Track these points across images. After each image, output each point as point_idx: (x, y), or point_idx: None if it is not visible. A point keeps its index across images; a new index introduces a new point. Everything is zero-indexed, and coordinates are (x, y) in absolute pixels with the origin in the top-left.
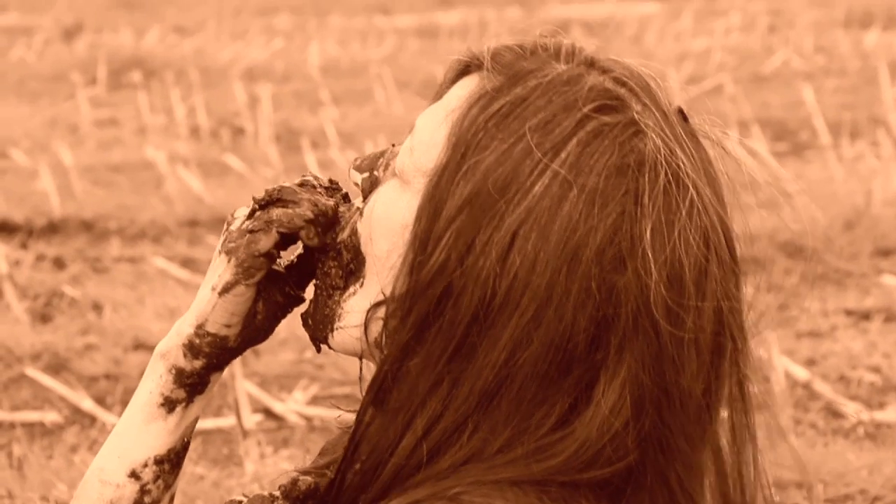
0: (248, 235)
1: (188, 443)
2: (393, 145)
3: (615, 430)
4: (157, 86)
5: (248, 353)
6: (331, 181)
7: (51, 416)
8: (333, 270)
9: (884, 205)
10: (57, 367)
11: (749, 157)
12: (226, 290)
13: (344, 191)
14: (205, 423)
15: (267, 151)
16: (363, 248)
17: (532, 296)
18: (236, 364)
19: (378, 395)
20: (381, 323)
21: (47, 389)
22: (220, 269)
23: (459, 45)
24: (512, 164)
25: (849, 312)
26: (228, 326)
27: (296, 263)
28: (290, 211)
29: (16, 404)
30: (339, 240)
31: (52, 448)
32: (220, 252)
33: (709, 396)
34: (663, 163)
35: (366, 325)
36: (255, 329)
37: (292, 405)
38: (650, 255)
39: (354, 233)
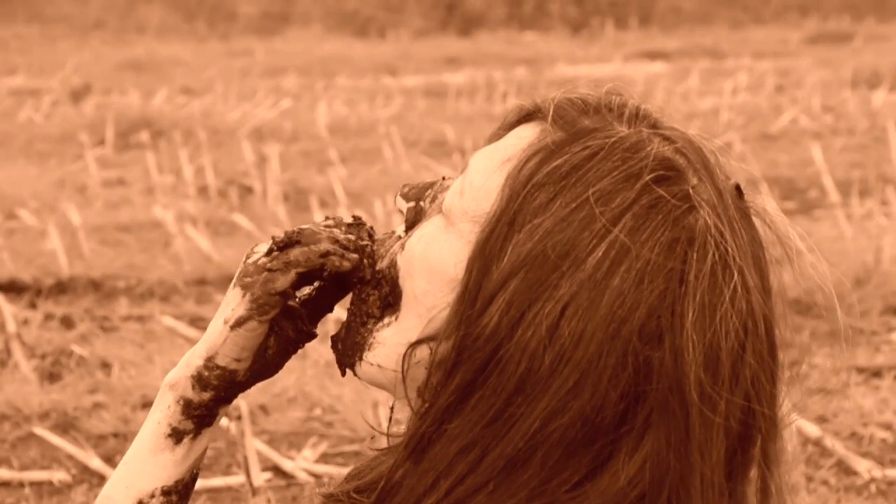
0: (265, 273)
1: (196, 475)
2: (444, 178)
3: (630, 500)
4: (165, 146)
5: (257, 410)
6: (354, 217)
7: (59, 475)
8: (371, 298)
9: (893, 262)
10: (65, 426)
11: (785, 218)
12: (238, 324)
13: (369, 226)
14: (214, 481)
15: (275, 210)
16: (401, 282)
17: (574, 367)
18: (245, 422)
19: (414, 451)
20: (418, 364)
21: (56, 448)
22: (234, 303)
23: (467, 105)
24: (572, 231)
25: (860, 370)
26: (238, 360)
27: (310, 299)
28: (307, 249)
29: (24, 463)
30: (377, 268)
31: None
32: (234, 285)
33: (732, 483)
34: (713, 243)
35: (403, 363)
36: (264, 364)
37: (301, 463)
38: (690, 333)
39: (394, 265)
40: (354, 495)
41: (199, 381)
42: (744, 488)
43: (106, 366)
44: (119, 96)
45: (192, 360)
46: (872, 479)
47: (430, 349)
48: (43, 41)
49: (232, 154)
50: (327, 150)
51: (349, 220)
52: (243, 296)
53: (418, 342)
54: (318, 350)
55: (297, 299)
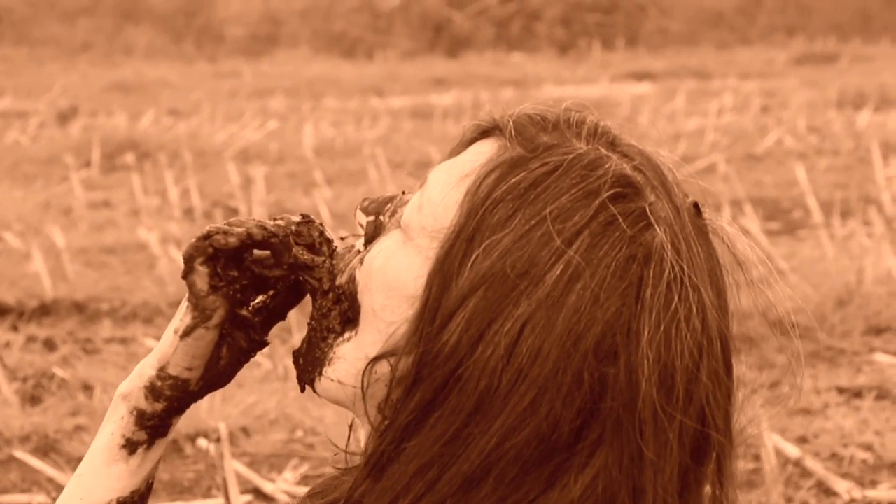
0: (188, 278)
1: (151, 484)
2: (403, 192)
3: None
4: (150, 168)
5: (238, 432)
6: (303, 216)
7: (39, 499)
8: (332, 314)
9: (875, 283)
10: (46, 449)
11: (742, 236)
12: (186, 333)
13: (318, 222)
14: None
15: None
16: (360, 297)
17: (530, 385)
18: (224, 444)
19: (373, 470)
20: (377, 381)
21: (36, 472)
22: (182, 313)
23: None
24: (531, 249)
25: (841, 390)
26: (190, 370)
27: (264, 306)
28: (195, 241)
29: (4, 486)
30: (336, 284)
31: None
32: (185, 296)
33: (684, 500)
34: (669, 261)
35: (362, 379)
36: (217, 373)
37: (282, 485)
38: (645, 351)
39: (353, 279)
40: None
41: (153, 391)
42: None
43: (88, 388)
44: (105, 118)
45: (144, 370)
46: (853, 500)
47: (390, 365)
48: (30, 63)
49: (218, 176)
50: (313, 172)
51: (297, 218)
52: (188, 305)
53: (377, 358)
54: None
55: (248, 308)
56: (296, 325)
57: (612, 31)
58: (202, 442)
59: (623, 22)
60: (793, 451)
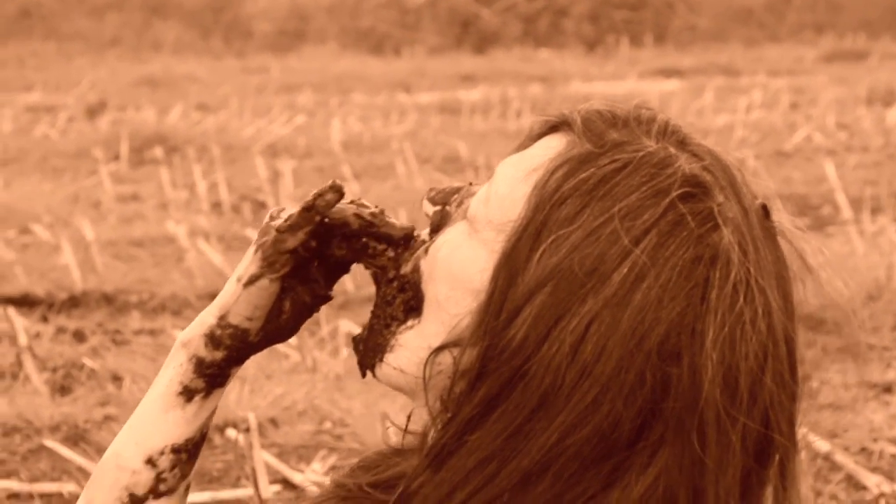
0: (275, 233)
1: (206, 434)
2: (470, 184)
3: None
4: (179, 162)
5: (267, 423)
6: (376, 207)
7: (69, 487)
8: (396, 301)
9: None
10: (75, 439)
11: (810, 239)
12: (250, 282)
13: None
14: (223, 494)
15: None
16: (424, 286)
17: (593, 382)
18: (254, 434)
19: (433, 461)
20: (440, 372)
21: (66, 461)
22: (248, 262)
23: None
24: (599, 247)
25: (871, 385)
26: (250, 319)
27: (328, 262)
28: (307, 211)
29: (35, 475)
30: (402, 272)
31: None
32: (253, 245)
33: (746, 501)
34: (735, 262)
35: (424, 369)
36: (278, 327)
37: (311, 476)
38: (709, 352)
39: (417, 269)
40: (368, 489)
41: (212, 339)
42: None
43: (117, 379)
44: (134, 112)
45: (205, 318)
46: (882, 494)
47: (453, 356)
48: (59, 58)
49: (246, 170)
50: (341, 166)
51: (374, 208)
52: (255, 254)
53: (440, 348)
54: (329, 364)
55: (314, 264)
56: (324, 318)
57: (640, 28)
58: (231, 432)
59: (651, 18)
60: (822, 445)
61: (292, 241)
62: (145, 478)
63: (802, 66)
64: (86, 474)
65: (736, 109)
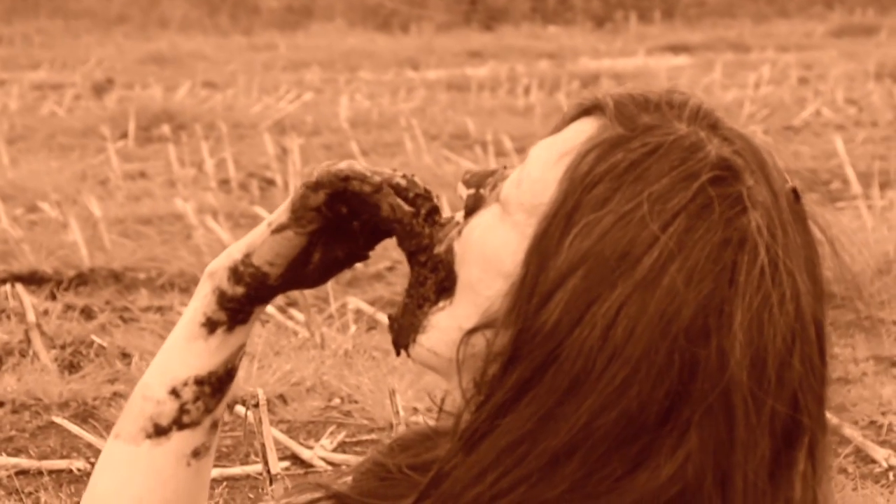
0: (302, 189)
1: (232, 371)
2: (505, 167)
3: (668, 497)
4: (186, 139)
5: (275, 400)
6: (426, 190)
7: (78, 464)
8: (428, 282)
9: None
10: (85, 416)
11: (841, 222)
12: (278, 230)
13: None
14: (232, 470)
15: None
16: (457, 268)
17: (623, 364)
18: (263, 410)
19: (467, 444)
20: (472, 353)
21: (75, 437)
22: (282, 209)
23: (489, 99)
24: (630, 231)
25: (879, 359)
26: (272, 265)
27: (370, 224)
28: (331, 172)
29: (44, 452)
30: (435, 253)
31: (78, 495)
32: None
33: (775, 483)
34: (764, 245)
35: (458, 351)
36: (303, 275)
37: (320, 451)
38: (737, 334)
39: (450, 250)
40: (407, 471)
41: (234, 274)
42: (788, 491)
43: (126, 356)
44: (141, 90)
45: (232, 252)
46: (891, 468)
47: (486, 338)
48: (66, 35)
49: (253, 147)
50: (349, 143)
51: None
52: (289, 206)
53: (472, 330)
54: (337, 340)
55: (354, 223)
56: (333, 294)
57: (649, 4)
58: (240, 408)
59: None
60: (831, 418)
61: (314, 199)
62: (169, 408)
63: (811, 41)
64: (95, 451)
65: (745, 85)
